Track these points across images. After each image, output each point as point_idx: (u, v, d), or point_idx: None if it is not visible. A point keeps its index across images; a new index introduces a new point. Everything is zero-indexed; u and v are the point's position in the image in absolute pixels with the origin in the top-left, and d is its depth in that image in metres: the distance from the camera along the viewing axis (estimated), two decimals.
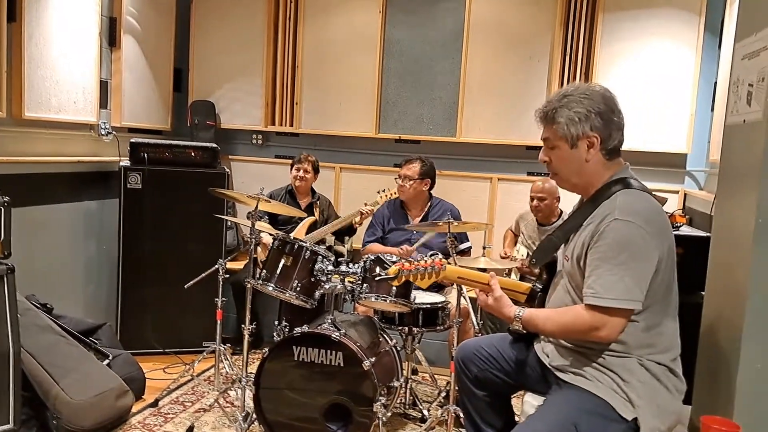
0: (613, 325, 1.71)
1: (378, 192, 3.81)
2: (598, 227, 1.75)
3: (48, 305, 3.15)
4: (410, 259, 2.00)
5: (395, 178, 3.71)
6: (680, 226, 3.19)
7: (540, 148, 1.94)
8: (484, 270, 2.91)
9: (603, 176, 1.86)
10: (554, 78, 4.00)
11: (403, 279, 2.00)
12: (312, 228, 3.93)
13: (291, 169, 4.03)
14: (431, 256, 1.99)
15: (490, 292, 1.89)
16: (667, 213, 2.07)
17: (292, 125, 4.49)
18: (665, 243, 1.76)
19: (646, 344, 1.78)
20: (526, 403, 1.98)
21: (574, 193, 1.98)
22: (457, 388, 2.27)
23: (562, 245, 1.95)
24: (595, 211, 1.81)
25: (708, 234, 2.81)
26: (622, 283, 1.69)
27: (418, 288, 2.94)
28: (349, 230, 4.02)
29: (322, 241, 3.78)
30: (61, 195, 3.62)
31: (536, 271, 3.23)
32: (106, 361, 3.11)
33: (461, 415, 2.71)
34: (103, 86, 3.84)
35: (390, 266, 2.65)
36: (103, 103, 3.85)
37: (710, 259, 2.26)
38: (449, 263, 2.02)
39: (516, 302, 1.93)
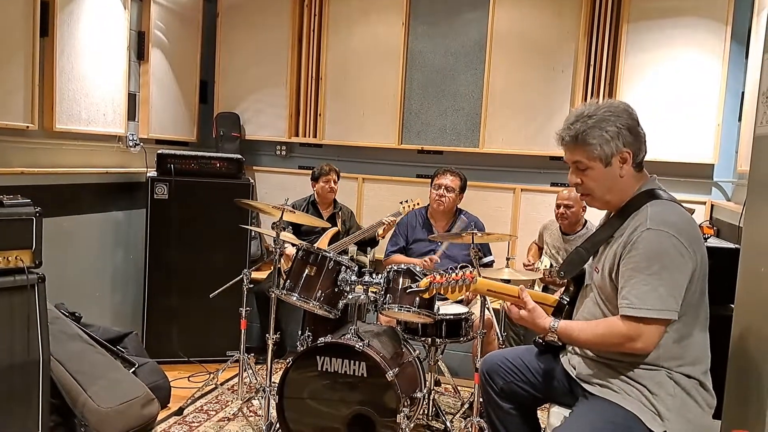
0: (649, 335, 1.70)
1: (401, 202, 3.82)
2: (630, 238, 1.74)
3: (76, 314, 3.21)
4: (441, 272, 1.98)
5: (433, 188, 3.68)
6: (708, 237, 3.14)
7: (563, 158, 1.92)
8: (507, 281, 2.90)
9: (633, 189, 1.85)
10: (578, 88, 3.97)
11: (434, 291, 1.98)
12: (335, 238, 3.94)
13: (317, 181, 4.02)
14: (461, 268, 1.97)
15: (522, 304, 1.88)
16: None
17: (315, 136, 4.53)
18: (698, 253, 1.75)
19: (675, 356, 1.76)
20: (552, 415, 1.97)
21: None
22: (481, 400, 2.26)
23: (591, 258, 1.93)
24: (625, 223, 1.81)
25: (736, 245, 2.77)
26: (656, 293, 1.68)
27: (443, 299, 2.94)
28: (371, 242, 4.02)
29: (344, 252, 3.80)
30: (90, 205, 3.69)
31: (559, 281, 3.21)
32: (133, 370, 3.14)
33: (485, 427, 2.70)
34: (132, 99, 3.92)
35: (420, 278, 2.66)
36: (131, 115, 3.93)
37: (740, 270, 2.22)
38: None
39: None
